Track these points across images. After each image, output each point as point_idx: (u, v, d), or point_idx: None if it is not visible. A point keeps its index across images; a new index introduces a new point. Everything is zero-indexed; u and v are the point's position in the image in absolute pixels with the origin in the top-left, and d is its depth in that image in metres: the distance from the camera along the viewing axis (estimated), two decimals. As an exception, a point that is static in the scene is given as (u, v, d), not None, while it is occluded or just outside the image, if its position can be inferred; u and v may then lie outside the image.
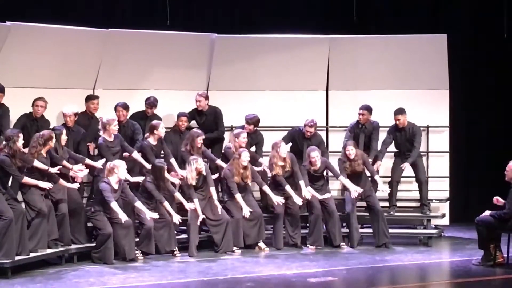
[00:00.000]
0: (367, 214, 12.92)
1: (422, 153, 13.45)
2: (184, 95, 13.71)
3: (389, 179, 13.23)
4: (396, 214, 13.23)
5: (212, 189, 12.40)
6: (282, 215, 12.72)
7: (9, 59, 12.74)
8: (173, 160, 12.53)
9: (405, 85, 13.97)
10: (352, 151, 12.75)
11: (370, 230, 12.88)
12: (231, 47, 14.20)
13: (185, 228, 12.38)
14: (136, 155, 12.29)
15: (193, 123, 13.50)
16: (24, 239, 10.86)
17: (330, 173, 13.24)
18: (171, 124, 13.31)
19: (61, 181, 11.42)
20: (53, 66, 13.15)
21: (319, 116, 13.75)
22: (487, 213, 11.39)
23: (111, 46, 13.73)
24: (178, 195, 12.19)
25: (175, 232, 12.31)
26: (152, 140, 12.47)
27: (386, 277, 11.14)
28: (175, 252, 12.15)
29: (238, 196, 12.46)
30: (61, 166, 11.44)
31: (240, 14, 15.58)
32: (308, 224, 12.87)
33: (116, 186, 11.57)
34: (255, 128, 13.26)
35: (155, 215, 11.75)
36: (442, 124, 13.91)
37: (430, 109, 13.87)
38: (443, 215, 13.65)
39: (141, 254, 11.86)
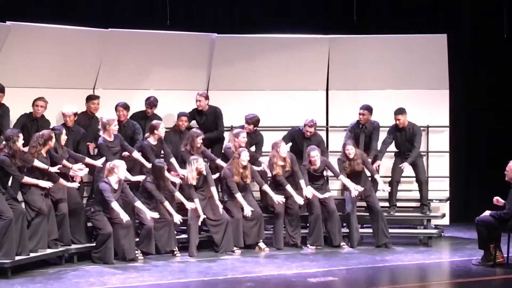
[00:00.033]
0: (367, 214, 12.92)
1: (422, 153, 13.45)
2: (184, 95, 13.71)
3: (389, 179, 13.23)
4: (396, 214, 13.23)
5: (213, 189, 12.40)
6: (283, 214, 12.72)
7: (9, 59, 12.73)
8: (173, 160, 12.54)
9: (405, 85, 13.97)
10: (351, 150, 12.75)
11: (370, 230, 12.88)
12: (231, 47, 14.20)
13: (185, 228, 12.38)
14: (137, 154, 12.30)
15: (193, 123, 13.50)
16: (24, 239, 10.86)
17: (330, 173, 13.24)
18: (171, 124, 13.31)
19: (61, 181, 11.43)
20: (53, 66, 13.14)
21: (319, 116, 13.75)
22: (487, 213, 11.39)
23: (111, 46, 13.73)
24: (178, 194, 12.19)
25: (175, 232, 12.31)
26: (152, 140, 12.47)
27: (386, 277, 11.14)
28: (175, 252, 12.15)
29: (238, 196, 12.46)
30: (61, 166, 11.44)
31: (240, 14, 15.58)
32: (308, 224, 12.87)
33: (116, 186, 11.57)
34: (254, 128, 13.26)
35: (156, 215, 11.76)
36: (442, 124, 13.92)
37: (430, 109, 13.87)
38: (443, 215, 13.65)
39: (141, 254, 11.86)
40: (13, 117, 12.25)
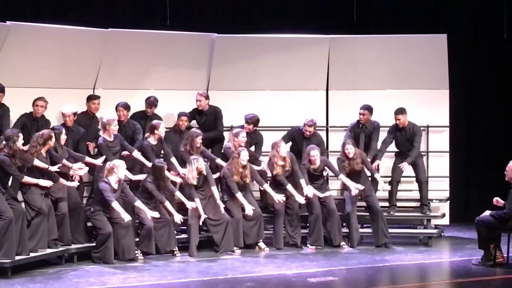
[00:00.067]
0: (367, 214, 12.92)
1: (422, 153, 13.45)
2: (184, 95, 13.71)
3: (389, 179, 13.23)
4: (396, 214, 13.23)
5: (214, 188, 12.41)
6: (283, 214, 12.72)
7: (9, 59, 12.74)
8: (173, 159, 12.54)
9: (405, 85, 13.97)
10: (351, 149, 12.75)
11: (370, 230, 12.88)
12: (231, 47, 14.20)
13: (185, 228, 12.38)
14: (137, 154, 12.30)
15: (193, 123, 13.51)
16: (24, 239, 10.86)
17: (330, 173, 13.25)
18: (171, 124, 13.31)
19: (61, 180, 11.43)
20: (53, 66, 13.15)
21: (319, 116, 13.75)
22: (487, 213, 11.39)
23: (111, 46, 13.73)
24: (178, 194, 12.19)
25: (175, 232, 12.31)
26: (152, 140, 12.48)
27: (386, 277, 11.14)
28: (175, 252, 12.15)
29: (239, 195, 12.46)
30: (61, 165, 11.44)
31: (240, 14, 15.57)
32: (308, 224, 12.87)
33: (115, 186, 11.57)
34: (254, 128, 13.26)
35: (156, 214, 11.76)
36: (442, 124, 13.92)
37: (430, 109, 13.87)
38: (443, 215, 13.65)
39: (141, 254, 11.86)
40: (13, 117, 12.25)
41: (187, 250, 12.17)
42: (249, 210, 12.40)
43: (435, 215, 13.45)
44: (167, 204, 12.02)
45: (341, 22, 15.12)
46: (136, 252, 11.80)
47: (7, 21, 12.89)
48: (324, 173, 13.11)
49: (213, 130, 13.38)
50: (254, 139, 13.29)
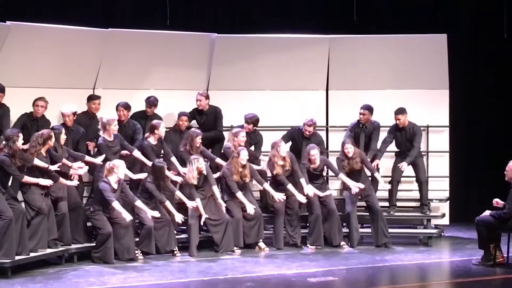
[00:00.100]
0: (367, 214, 12.92)
1: (422, 153, 13.44)
2: (185, 95, 13.71)
3: (389, 179, 13.22)
4: (396, 214, 13.22)
5: (215, 188, 12.41)
6: (283, 213, 12.72)
7: (9, 59, 12.74)
8: (173, 159, 12.55)
9: (405, 85, 13.97)
10: (350, 149, 12.76)
11: (370, 230, 12.86)
12: (231, 47, 14.20)
13: (185, 228, 12.38)
14: (137, 153, 12.30)
15: (194, 122, 13.51)
16: (24, 238, 10.86)
17: (330, 173, 13.26)
18: (171, 123, 13.32)
19: (61, 180, 11.42)
20: (53, 66, 13.15)
21: (319, 116, 13.75)
22: (487, 213, 11.39)
23: (111, 46, 13.73)
24: (179, 193, 12.19)
25: (175, 232, 12.31)
26: (152, 140, 12.48)
27: (386, 277, 11.14)
28: (175, 252, 12.15)
29: (239, 195, 12.47)
30: (61, 164, 11.45)
31: (240, 14, 15.57)
32: (308, 224, 12.87)
33: (115, 186, 11.57)
34: (254, 128, 13.26)
35: (156, 214, 11.76)
36: (442, 124, 13.92)
37: (430, 109, 13.87)
38: (443, 215, 13.66)
39: (141, 254, 11.86)
40: (13, 117, 12.25)
41: (187, 250, 12.17)
42: (251, 209, 12.40)
43: (435, 215, 13.45)
44: (168, 204, 12.02)
45: (341, 22, 15.12)
46: (136, 252, 11.80)
47: (7, 21, 12.90)
48: (324, 173, 13.11)
49: (212, 130, 13.38)
50: (254, 139, 13.29)
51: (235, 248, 12.39)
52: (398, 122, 13.16)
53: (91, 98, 12.96)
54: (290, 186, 12.67)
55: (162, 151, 12.62)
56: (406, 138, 13.19)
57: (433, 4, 15.68)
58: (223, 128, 13.53)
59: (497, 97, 15.57)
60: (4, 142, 10.99)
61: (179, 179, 12.43)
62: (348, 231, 12.81)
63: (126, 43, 13.80)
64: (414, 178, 13.34)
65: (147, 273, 10.97)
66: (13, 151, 10.80)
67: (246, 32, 14.43)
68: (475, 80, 15.53)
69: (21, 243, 10.82)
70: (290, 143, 13.37)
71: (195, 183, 12.29)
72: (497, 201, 11.34)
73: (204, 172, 12.35)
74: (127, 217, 11.40)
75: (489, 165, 15.08)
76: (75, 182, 11.69)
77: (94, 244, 11.70)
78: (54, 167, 11.27)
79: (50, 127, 11.94)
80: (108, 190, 11.43)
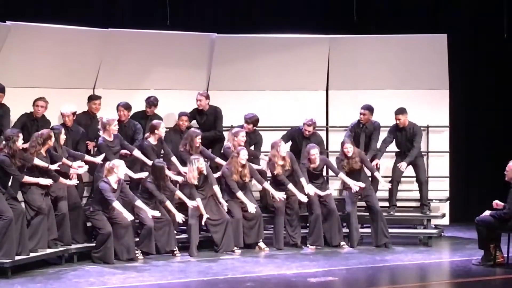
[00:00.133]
0: (367, 214, 12.92)
1: (422, 153, 13.44)
2: (185, 95, 13.71)
3: (390, 179, 13.22)
4: (396, 214, 13.22)
5: (216, 188, 12.41)
6: (283, 213, 12.71)
7: (9, 59, 12.74)
8: (174, 158, 12.55)
9: (405, 85, 13.97)
10: (349, 148, 12.76)
11: (370, 230, 12.86)
12: (231, 47, 14.21)
13: (185, 228, 12.38)
14: (137, 153, 12.30)
15: (194, 122, 13.51)
16: (24, 238, 10.86)
17: (330, 173, 13.26)
18: (171, 123, 13.32)
19: (61, 179, 11.42)
20: (53, 66, 13.15)
21: (319, 116, 13.75)
22: (487, 213, 11.39)
23: (111, 46, 13.74)
24: (179, 193, 12.19)
25: (175, 232, 12.31)
26: (152, 140, 12.48)
27: (386, 277, 11.14)
28: (175, 252, 12.15)
29: (240, 194, 12.47)
30: (60, 163, 11.45)
31: (240, 14, 15.57)
32: (308, 224, 12.87)
33: (115, 186, 11.57)
34: (254, 128, 13.26)
35: (157, 213, 11.75)
36: (442, 124, 13.92)
37: (430, 109, 13.87)
38: (443, 215, 13.65)
39: (141, 254, 11.86)
40: (13, 117, 12.26)
41: (187, 250, 12.17)
42: (252, 207, 12.40)
43: (435, 215, 13.45)
44: (168, 204, 12.02)
45: (341, 22, 15.12)
46: (136, 252, 11.80)
47: (7, 21, 12.90)
48: (324, 173, 13.11)
49: (212, 130, 13.38)
50: (254, 139, 13.30)
51: (235, 248, 12.39)
52: (398, 122, 13.16)
53: (92, 98, 12.97)
54: (291, 186, 12.67)
55: (162, 151, 12.62)
56: (406, 138, 13.19)
57: (433, 4, 15.68)
58: (223, 128, 13.53)
59: (497, 97, 15.57)
60: (4, 142, 10.98)
61: (180, 178, 12.43)
62: (348, 231, 12.81)
63: (126, 43, 13.80)
64: (414, 178, 13.34)
65: (147, 273, 10.97)
66: (13, 151, 10.80)
67: (246, 32, 14.43)
68: (475, 80, 15.53)
69: (21, 243, 10.82)
70: (290, 143, 13.37)
71: (196, 183, 12.29)
72: (497, 203, 11.34)
73: (204, 172, 12.35)
74: (129, 216, 11.40)
75: (489, 165, 15.08)
76: (74, 182, 11.68)
77: (94, 244, 11.69)
78: (54, 167, 11.26)
79: (50, 127, 11.93)
80: (108, 190, 11.43)
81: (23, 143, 11.05)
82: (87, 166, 11.82)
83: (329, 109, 14.15)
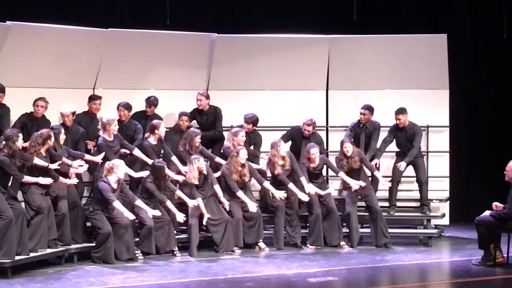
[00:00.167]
0: (367, 214, 12.91)
1: (422, 153, 13.44)
2: (185, 95, 13.71)
3: (390, 179, 13.22)
4: (396, 214, 13.23)
5: (217, 187, 12.40)
6: (283, 212, 12.70)
7: (9, 59, 12.74)
8: (174, 158, 12.55)
9: (405, 85, 13.97)
10: (349, 147, 12.76)
11: (370, 230, 12.86)
12: (231, 47, 14.21)
13: (185, 228, 12.38)
14: (138, 152, 12.31)
15: (194, 122, 13.51)
16: (24, 238, 10.86)
17: (330, 172, 13.25)
18: (171, 123, 13.32)
19: (61, 179, 11.42)
20: (53, 66, 13.15)
21: (319, 116, 13.75)
22: (487, 213, 11.39)
23: (111, 46, 13.74)
24: (179, 192, 12.18)
25: (175, 232, 12.31)
26: (152, 140, 12.48)
27: (386, 277, 11.14)
28: (175, 252, 12.15)
29: (240, 193, 12.47)
30: (60, 162, 11.45)
31: (240, 14, 15.56)
32: (308, 224, 12.86)
33: (115, 186, 11.57)
34: (253, 128, 13.26)
35: (157, 212, 11.75)
36: (442, 124, 13.91)
37: (430, 109, 13.86)
38: (443, 215, 13.65)
39: (141, 254, 11.86)
40: (14, 117, 12.26)
41: (187, 250, 12.17)
42: (252, 206, 12.40)
43: (435, 215, 13.45)
44: (169, 203, 12.01)
45: (341, 22, 15.11)
46: (136, 252, 11.80)
47: (7, 21, 12.90)
48: (323, 173, 13.11)
49: (211, 130, 13.38)
50: (253, 139, 13.30)
51: (235, 248, 12.39)
52: (398, 122, 13.16)
53: (92, 98, 12.96)
54: (291, 185, 12.67)
55: (162, 151, 12.62)
56: (407, 138, 13.19)
57: (433, 4, 15.68)
58: (223, 128, 13.53)
59: (497, 97, 15.56)
60: (4, 142, 10.98)
61: (180, 178, 12.42)
62: (348, 231, 12.81)
63: (126, 43, 13.81)
64: (414, 178, 13.34)
65: (147, 273, 10.97)
66: (12, 151, 10.80)
67: (246, 32, 14.43)
68: (475, 80, 15.53)
69: (21, 243, 10.82)
70: (289, 142, 13.37)
71: (196, 182, 12.29)
72: (496, 205, 11.34)
73: (205, 172, 12.34)
74: (130, 216, 11.40)
75: (489, 165, 15.08)
76: (74, 181, 11.67)
77: (94, 244, 11.69)
78: (54, 166, 11.26)
79: (50, 127, 11.93)
80: (108, 190, 11.43)
81: (23, 143, 11.05)
82: (87, 165, 11.82)
83: (329, 109, 14.15)
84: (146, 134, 12.67)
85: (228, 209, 12.38)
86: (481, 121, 15.56)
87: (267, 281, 10.56)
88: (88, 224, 11.88)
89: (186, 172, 12.36)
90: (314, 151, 12.72)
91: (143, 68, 13.84)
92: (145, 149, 12.38)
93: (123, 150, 12.28)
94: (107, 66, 13.65)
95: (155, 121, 12.60)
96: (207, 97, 13.48)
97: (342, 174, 12.79)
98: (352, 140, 13.06)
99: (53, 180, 11.21)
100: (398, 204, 13.32)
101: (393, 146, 13.36)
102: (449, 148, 13.96)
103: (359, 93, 13.91)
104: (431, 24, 15.37)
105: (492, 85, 15.54)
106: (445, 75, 13.90)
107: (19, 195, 11.23)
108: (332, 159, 13.14)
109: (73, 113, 12.46)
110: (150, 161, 12.21)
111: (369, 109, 13.25)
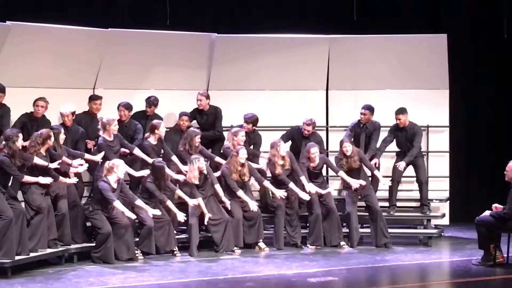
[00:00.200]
0: (367, 214, 12.91)
1: (422, 153, 13.44)
2: (185, 95, 13.71)
3: (390, 179, 13.22)
4: (396, 214, 13.23)
5: (217, 187, 12.40)
6: (283, 211, 12.70)
7: (9, 59, 12.74)
8: (174, 157, 12.56)
9: (405, 85, 13.97)
10: (348, 147, 12.77)
11: (370, 230, 12.86)
12: (231, 47, 14.21)
13: (185, 228, 12.38)
14: (138, 151, 12.32)
15: (194, 122, 13.51)
16: (24, 238, 10.86)
17: (330, 172, 13.25)
18: (171, 123, 13.33)
19: (61, 178, 11.42)
20: (53, 66, 13.14)
21: (319, 116, 13.76)
22: (487, 213, 11.39)
23: (111, 46, 13.74)
24: (179, 192, 12.19)
25: (175, 232, 12.31)
26: (152, 140, 12.49)
27: (386, 277, 11.14)
28: (175, 252, 12.15)
29: (240, 193, 12.47)
30: (60, 161, 11.45)
31: (240, 14, 15.56)
32: (308, 224, 12.86)
33: (115, 186, 11.57)
34: (253, 128, 13.27)
35: (158, 212, 11.74)
36: (442, 124, 13.91)
37: (430, 109, 13.86)
38: (443, 215, 13.65)
39: (141, 254, 11.86)
40: (14, 117, 12.26)
41: (187, 250, 12.17)
42: (253, 205, 12.40)
43: (435, 215, 13.45)
44: (169, 203, 12.01)
45: (341, 22, 15.11)
46: (136, 252, 11.80)
47: (7, 21, 12.90)
48: (324, 172, 13.11)
49: (211, 130, 13.39)
50: (253, 139, 13.30)
51: (235, 248, 12.39)
52: (398, 122, 13.16)
53: (92, 98, 12.96)
54: (292, 185, 12.67)
55: (162, 151, 12.62)
56: (407, 138, 13.19)
57: (433, 4, 15.68)
58: (223, 128, 13.53)
59: (497, 97, 15.56)
60: (4, 142, 10.98)
61: (181, 177, 12.42)
62: (348, 231, 12.81)
63: (126, 43, 13.81)
64: (414, 178, 13.34)
65: (147, 273, 10.97)
66: (12, 151, 10.80)
67: (246, 32, 14.43)
68: (475, 80, 15.53)
69: (21, 243, 10.82)
70: (289, 142, 13.38)
71: (197, 182, 12.29)
72: (496, 206, 11.34)
73: (205, 172, 12.34)
74: (130, 216, 11.40)
75: (489, 165, 15.08)
76: (74, 180, 11.67)
77: (94, 244, 11.69)
78: (54, 165, 11.26)
79: (50, 127, 11.93)
80: (108, 190, 11.43)
81: (23, 143, 11.05)
82: (87, 165, 11.83)
83: (329, 109, 14.15)
84: (146, 134, 12.67)
85: (229, 208, 12.38)
86: (481, 121, 15.56)
87: (267, 281, 10.56)
88: (88, 224, 11.89)
89: (186, 172, 12.36)
90: (314, 151, 12.72)
91: (143, 68, 13.85)
92: (145, 149, 12.38)
93: (123, 150, 12.29)
94: (107, 66, 13.65)
95: (155, 121, 12.60)
96: (207, 97, 13.48)
97: (342, 173, 12.79)
98: (352, 140, 13.07)
99: (53, 179, 11.21)
100: (398, 204, 13.32)
101: (393, 146, 13.36)
102: (449, 148, 13.97)
103: (359, 93, 13.91)
104: (431, 24, 15.37)
105: (492, 85, 15.54)
106: (445, 75, 13.91)
107: (19, 195, 11.23)
108: (332, 159, 13.14)
109: (73, 113, 12.46)
110: (150, 160, 12.22)
111: (370, 109, 13.26)
